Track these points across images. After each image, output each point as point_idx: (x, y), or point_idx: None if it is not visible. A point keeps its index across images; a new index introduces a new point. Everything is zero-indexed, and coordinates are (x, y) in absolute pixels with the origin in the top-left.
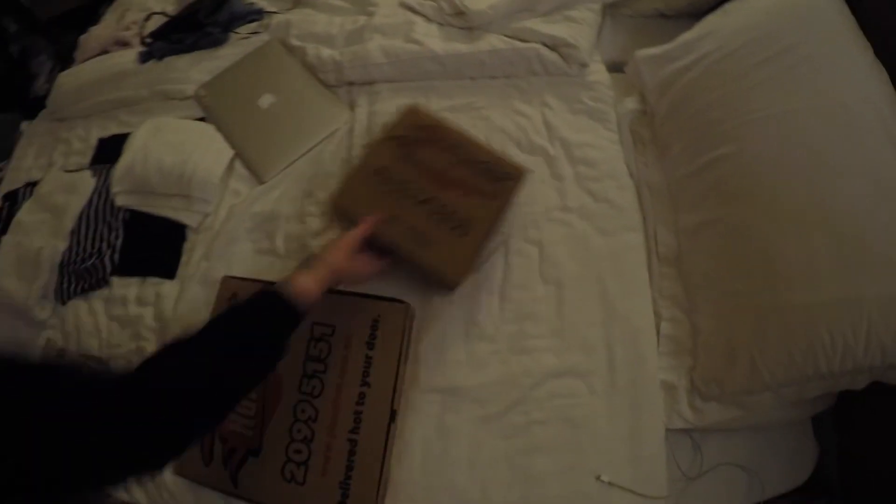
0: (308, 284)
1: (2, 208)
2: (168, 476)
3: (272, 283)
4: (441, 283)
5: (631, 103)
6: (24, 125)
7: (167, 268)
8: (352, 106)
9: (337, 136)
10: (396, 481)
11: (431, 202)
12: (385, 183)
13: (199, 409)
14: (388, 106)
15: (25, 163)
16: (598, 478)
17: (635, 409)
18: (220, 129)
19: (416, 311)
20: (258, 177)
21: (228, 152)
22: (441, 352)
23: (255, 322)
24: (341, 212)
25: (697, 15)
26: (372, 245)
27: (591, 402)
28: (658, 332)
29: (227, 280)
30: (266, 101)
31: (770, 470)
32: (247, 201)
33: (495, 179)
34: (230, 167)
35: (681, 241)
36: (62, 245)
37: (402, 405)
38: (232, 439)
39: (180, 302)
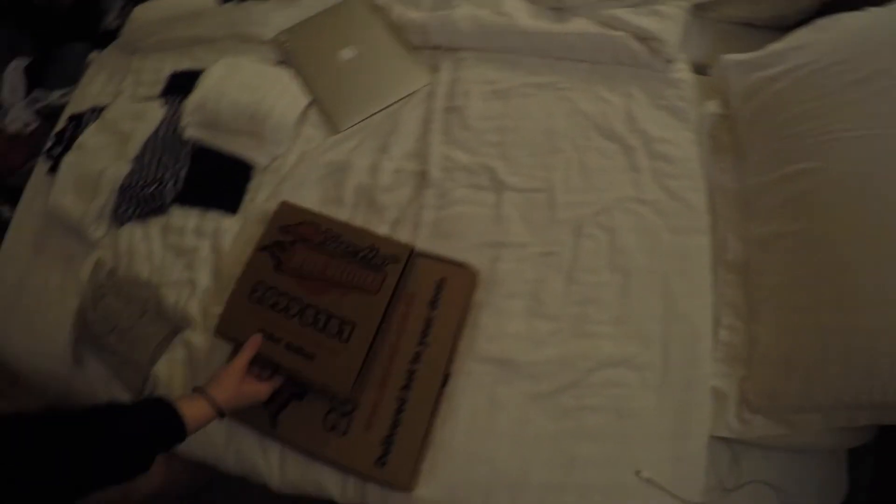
0: (196, 412)
1: (66, 129)
2: None
3: (156, 399)
4: (332, 396)
5: (713, 106)
6: (93, 55)
7: (231, 203)
8: (434, 70)
9: (416, 97)
10: (437, 445)
11: (308, 311)
12: (261, 301)
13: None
14: (473, 74)
15: (93, 89)
16: (638, 473)
17: (684, 410)
18: (298, 75)
19: (480, 278)
20: (333, 126)
21: (304, 99)
22: (501, 323)
23: (138, 423)
24: (226, 338)
25: (781, 28)
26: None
27: (642, 396)
28: (715, 338)
29: (286, 205)
30: (347, 54)
31: (802, 495)
32: (320, 149)
33: (376, 268)
34: (304, 113)
35: (750, 249)
36: (125, 169)
37: (456, 370)
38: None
39: (240, 238)
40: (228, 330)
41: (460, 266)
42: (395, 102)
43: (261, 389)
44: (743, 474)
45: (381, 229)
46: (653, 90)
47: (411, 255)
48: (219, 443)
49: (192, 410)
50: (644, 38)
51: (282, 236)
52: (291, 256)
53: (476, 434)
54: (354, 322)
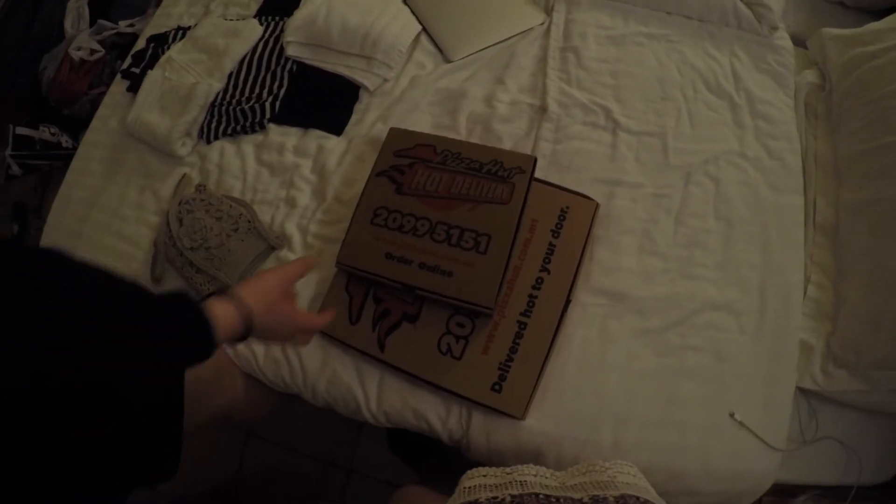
0: (223, 319)
1: (146, 48)
2: None
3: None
4: (474, 312)
5: (810, 76)
6: None
7: (335, 124)
8: (548, 10)
9: (532, 34)
10: (549, 373)
11: (438, 228)
12: (385, 225)
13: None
14: (586, 17)
15: (177, 10)
16: (731, 415)
17: (775, 357)
18: (410, 3)
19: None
20: (446, 55)
21: (417, 25)
22: (616, 257)
23: (162, 319)
24: (348, 269)
25: (873, 12)
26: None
27: (739, 340)
28: (805, 293)
29: (396, 131)
30: None
31: (867, 457)
32: (433, 75)
33: (503, 179)
34: (416, 41)
35: (840, 213)
36: (218, 85)
37: (573, 299)
38: (388, 301)
39: (346, 158)
40: (352, 259)
41: (583, 197)
42: (510, 38)
43: (289, 327)
44: (819, 428)
45: None
46: (756, 53)
47: (535, 165)
48: (312, 367)
49: (220, 317)
50: (751, 3)
51: (398, 161)
52: (412, 178)
53: (586, 366)
54: (489, 233)
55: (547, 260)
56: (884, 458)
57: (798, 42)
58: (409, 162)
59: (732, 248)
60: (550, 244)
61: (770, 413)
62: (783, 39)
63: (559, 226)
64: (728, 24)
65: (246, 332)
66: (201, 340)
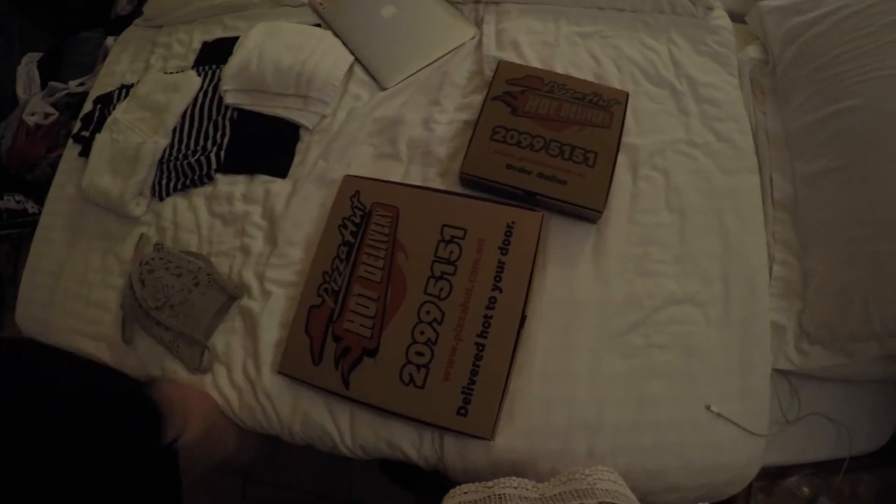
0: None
1: (93, 111)
2: (267, 375)
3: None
4: (584, 215)
5: (752, 51)
6: (109, 40)
7: (279, 166)
8: (478, 23)
9: (463, 50)
10: (514, 391)
11: (552, 145)
12: (504, 141)
13: None
14: (517, 25)
15: (119, 68)
16: (708, 407)
17: (746, 344)
18: (339, 35)
19: (540, 221)
20: (380, 83)
21: (349, 57)
22: (569, 265)
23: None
24: (472, 180)
25: None
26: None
27: (706, 332)
28: (770, 273)
29: (349, 178)
30: (388, 11)
31: (855, 428)
32: (369, 105)
33: (603, 107)
34: (349, 72)
35: (797, 187)
36: (163, 142)
37: (529, 314)
38: (347, 338)
39: (293, 200)
40: (475, 170)
41: (528, 209)
42: (442, 56)
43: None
44: (801, 407)
45: (438, 182)
46: (694, 37)
47: (628, 98)
48: (284, 410)
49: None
50: None
51: (510, 88)
52: (524, 102)
53: (552, 378)
54: (596, 150)
55: (498, 278)
56: (873, 425)
57: (737, 18)
58: (520, 90)
59: (689, 239)
60: (500, 262)
61: (748, 400)
62: (721, 18)
63: (506, 242)
64: (662, 10)
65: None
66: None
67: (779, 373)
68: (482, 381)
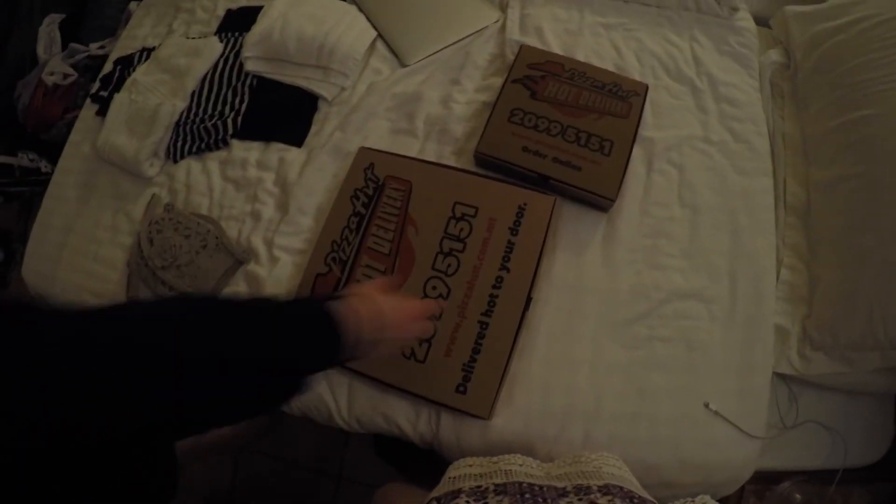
0: (353, 319)
1: (113, 71)
2: None
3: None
4: (596, 203)
5: (774, 55)
6: (133, 5)
7: (295, 135)
8: (503, 7)
9: (487, 32)
10: (515, 373)
11: (569, 131)
12: (521, 123)
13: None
14: (542, 11)
15: (142, 31)
16: (706, 405)
17: (749, 344)
18: (363, 10)
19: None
20: (401, 59)
21: (372, 32)
22: (579, 251)
23: (292, 334)
24: (487, 160)
25: None
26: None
27: (710, 329)
28: (777, 277)
29: (364, 151)
30: None
31: (852, 440)
32: (389, 80)
33: (622, 98)
34: (372, 47)
35: (811, 193)
36: (182, 104)
37: (536, 297)
38: None
39: (307, 169)
40: (491, 150)
41: (541, 192)
42: (465, 38)
43: (412, 316)
44: (800, 413)
45: (453, 160)
46: (717, 36)
47: (647, 90)
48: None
49: (351, 321)
50: None
51: (531, 72)
52: (544, 87)
53: (553, 363)
54: (612, 139)
55: (506, 258)
56: (870, 439)
57: (761, 21)
58: (541, 74)
59: (699, 235)
60: (509, 242)
61: (746, 401)
62: (745, 20)
63: (517, 223)
64: (687, 8)
65: (376, 331)
66: (333, 350)
67: (779, 377)
68: (483, 360)
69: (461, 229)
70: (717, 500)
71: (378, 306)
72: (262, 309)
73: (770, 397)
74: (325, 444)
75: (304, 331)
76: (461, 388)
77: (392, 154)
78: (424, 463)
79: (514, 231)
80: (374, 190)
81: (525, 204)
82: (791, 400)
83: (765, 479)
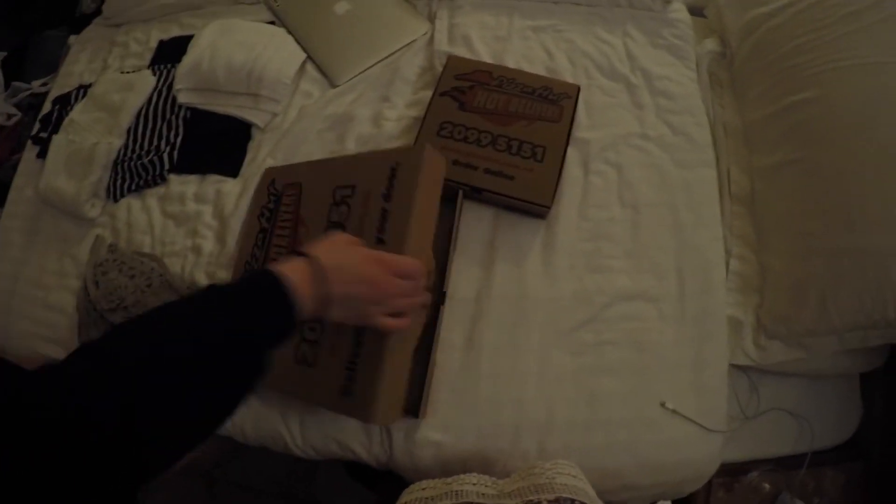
0: (300, 282)
1: (52, 111)
2: None
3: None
4: (532, 211)
5: (710, 44)
6: (72, 39)
7: (231, 166)
8: (431, 18)
9: (416, 45)
10: (462, 390)
11: (499, 140)
12: (451, 136)
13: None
14: (469, 20)
15: (77, 68)
16: (662, 404)
17: (702, 339)
18: (292, 32)
19: (441, 160)
20: (331, 80)
21: (301, 54)
22: (518, 261)
23: (243, 313)
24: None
25: None
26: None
27: (659, 328)
28: (727, 268)
29: (268, 170)
30: (342, 7)
31: (818, 422)
32: (319, 102)
33: (553, 101)
34: (301, 69)
35: (755, 181)
36: (118, 142)
37: (476, 313)
38: None
39: (242, 199)
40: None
41: (413, 148)
42: (394, 52)
43: (385, 255)
44: (762, 402)
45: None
46: (650, 30)
47: (579, 91)
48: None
49: (298, 284)
50: None
51: (458, 83)
52: (473, 98)
53: (500, 377)
54: (544, 145)
55: (381, 230)
56: (838, 419)
57: (696, 12)
58: (469, 84)
59: (641, 234)
60: (383, 211)
61: (704, 396)
62: (678, 12)
63: (390, 187)
64: (619, 4)
65: (321, 282)
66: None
67: (738, 369)
68: (365, 355)
69: (342, 213)
70: (684, 497)
71: (350, 255)
72: (199, 294)
73: (729, 390)
74: (297, 467)
75: (246, 299)
76: (346, 391)
77: (288, 165)
78: (393, 481)
79: (386, 197)
80: (276, 203)
81: (397, 164)
82: (752, 389)
83: (731, 472)
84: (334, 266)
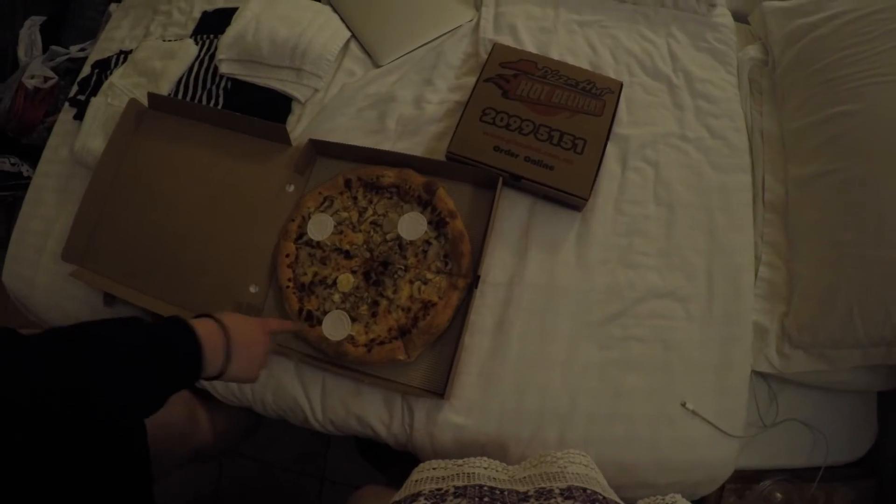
0: (204, 328)
1: (91, 75)
2: None
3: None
4: (569, 202)
5: (753, 51)
6: (113, 6)
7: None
8: (477, 6)
9: (461, 31)
10: (488, 374)
11: (541, 130)
12: (493, 123)
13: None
14: (516, 9)
15: (119, 34)
16: (683, 404)
17: (727, 342)
18: (337, 10)
19: None
20: (375, 60)
21: (345, 32)
22: (552, 251)
23: (148, 351)
24: (458, 159)
25: None
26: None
27: (686, 328)
28: (755, 275)
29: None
30: None
31: (833, 437)
32: (361, 81)
33: (595, 96)
34: (345, 47)
35: (789, 189)
36: None
37: (507, 298)
38: None
39: None
40: (462, 149)
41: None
42: (439, 37)
43: (274, 322)
44: (780, 412)
45: None
46: (694, 32)
47: (622, 87)
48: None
49: (202, 328)
50: None
51: (503, 70)
52: (517, 86)
53: (527, 364)
54: (585, 138)
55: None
56: (852, 435)
57: (740, 18)
58: (513, 73)
59: (675, 233)
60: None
61: (724, 400)
62: (723, 16)
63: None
64: (664, 4)
65: (226, 343)
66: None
67: (759, 376)
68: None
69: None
70: (697, 499)
71: (240, 320)
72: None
73: (749, 396)
74: (309, 446)
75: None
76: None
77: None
78: (405, 464)
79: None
80: None
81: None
82: (771, 398)
83: (745, 478)
84: (237, 327)
